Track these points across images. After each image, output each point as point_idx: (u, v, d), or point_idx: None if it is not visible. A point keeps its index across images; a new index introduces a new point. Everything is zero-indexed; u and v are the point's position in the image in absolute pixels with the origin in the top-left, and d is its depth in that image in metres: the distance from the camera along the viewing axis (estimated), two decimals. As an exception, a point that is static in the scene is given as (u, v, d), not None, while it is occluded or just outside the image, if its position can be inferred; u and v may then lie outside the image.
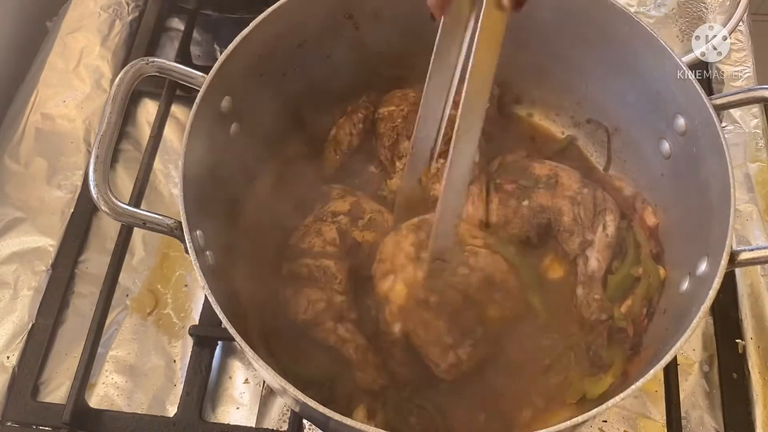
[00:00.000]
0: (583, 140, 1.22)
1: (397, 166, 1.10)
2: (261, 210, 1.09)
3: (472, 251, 0.96)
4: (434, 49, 0.85)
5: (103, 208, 0.83)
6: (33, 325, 1.10)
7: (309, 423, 1.04)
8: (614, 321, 1.02)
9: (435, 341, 0.91)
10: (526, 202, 1.08)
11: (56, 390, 1.07)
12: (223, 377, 1.09)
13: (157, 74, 0.92)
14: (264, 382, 1.07)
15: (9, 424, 1.03)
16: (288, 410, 1.05)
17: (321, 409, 0.75)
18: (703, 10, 1.47)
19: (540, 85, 1.20)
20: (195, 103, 0.91)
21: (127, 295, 1.15)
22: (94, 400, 1.07)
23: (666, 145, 1.04)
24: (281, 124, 1.11)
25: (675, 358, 1.06)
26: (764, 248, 0.87)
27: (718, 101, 0.94)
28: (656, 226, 1.08)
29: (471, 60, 0.74)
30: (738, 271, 1.17)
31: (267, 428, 1.04)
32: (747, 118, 1.33)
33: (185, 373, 1.07)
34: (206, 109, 0.93)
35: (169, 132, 1.29)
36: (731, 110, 1.32)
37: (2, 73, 1.39)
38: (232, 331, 0.79)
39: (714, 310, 1.14)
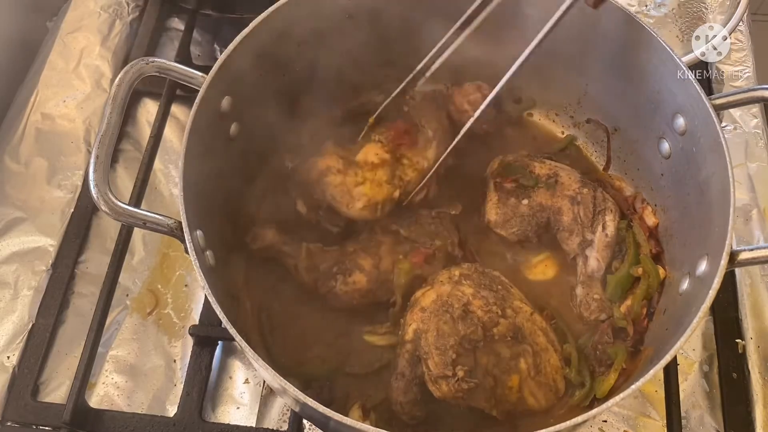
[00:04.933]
0: (583, 140, 1.22)
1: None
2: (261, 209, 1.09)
3: (515, 307, 0.96)
4: None
5: (102, 208, 0.83)
6: (33, 325, 1.10)
7: (309, 423, 1.04)
8: (614, 320, 1.02)
9: (440, 349, 0.90)
10: (525, 201, 1.08)
11: (56, 390, 1.07)
12: (223, 377, 1.09)
13: (157, 74, 0.92)
14: (264, 382, 1.07)
15: (9, 424, 1.03)
16: (288, 410, 1.05)
17: (321, 409, 0.75)
18: (703, 10, 1.48)
19: (540, 85, 1.20)
20: (195, 103, 0.91)
21: (127, 295, 1.15)
22: (94, 400, 1.07)
23: (666, 145, 1.04)
24: (281, 123, 1.11)
25: (675, 358, 1.06)
26: (764, 248, 0.87)
27: (718, 101, 0.94)
28: (656, 225, 1.08)
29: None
30: (738, 271, 1.17)
31: (267, 428, 1.04)
32: (747, 118, 1.33)
33: (185, 373, 1.07)
34: (206, 109, 0.93)
35: (169, 132, 1.29)
36: (731, 110, 1.33)
37: (2, 73, 1.39)
38: (232, 331, 0.79)
39: (714, 310, 1.14)
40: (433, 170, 1.06)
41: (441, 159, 1.06)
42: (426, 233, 1.04)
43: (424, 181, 1.06)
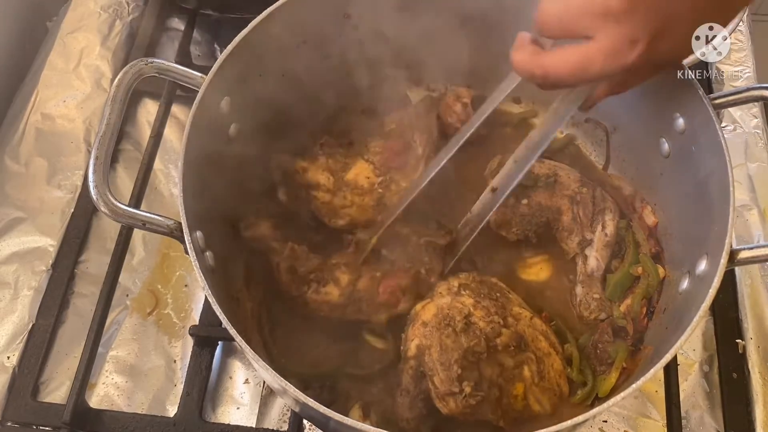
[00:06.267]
0: (582, 139, 1.22)
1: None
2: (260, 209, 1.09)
3: (516, 314, 0.96)
4: None
5: (102, 209, 0.83)
6: (33, 325, 1.11)
7: (309, 423, 1.04)
8: (614, 320, 1.02)
9: (444, 365, 0.89)
10: (525, 201, 1.08)
11: (56, 390, 1.07)
12: (223, 377, 1.09)
13: (156, 75, 0.92)
14: (264, 382, 1.08)
15: (9, 424, 1.03)
16: (288, 410, 1.05)
17: (321, 409, 0.75)
18: (703, 9, 1.47)
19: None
20: (194, 104, 0.91)
21: (127, 295, 1.15)
22: (94, 400, 1.07)
23: (665, 145, 1.04)
24: (280, 124, 1.11)
25: (675, 358, 1.06)
26: (764, 246, 0.86)
27: (717, 100, 0.94)
28: (655, 225, 1.08)
29: None
30: (738, 271, 1.17)
31: (267, 428, 1.04)
32: (747, 118, 1.33)
33: (185, 373, 1.07)
34: (205, 110, 0.93)
35: (169, 132, 1.29)
36: (731, 110, 1.33)
37: (2, 73, 1.39)
38: (232, 331, 0.79)
39: (714, 309, 1.14)
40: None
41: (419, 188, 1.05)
42: (410, 259, 1.02)
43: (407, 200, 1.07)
